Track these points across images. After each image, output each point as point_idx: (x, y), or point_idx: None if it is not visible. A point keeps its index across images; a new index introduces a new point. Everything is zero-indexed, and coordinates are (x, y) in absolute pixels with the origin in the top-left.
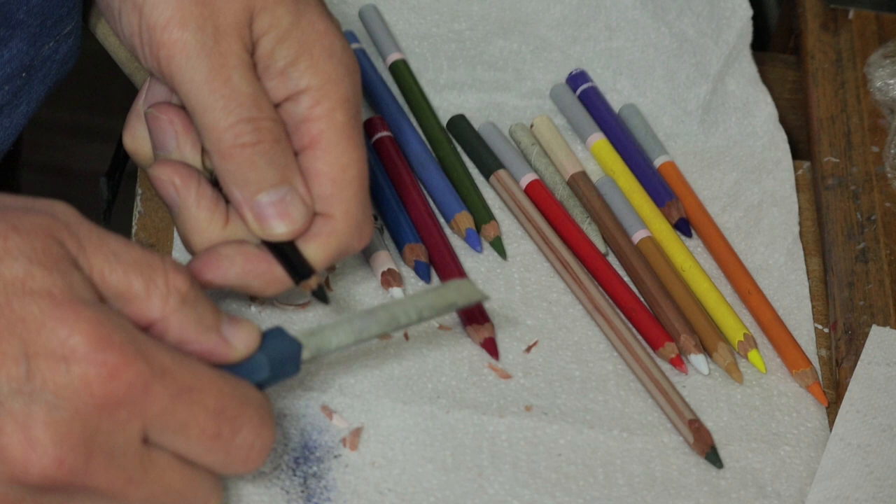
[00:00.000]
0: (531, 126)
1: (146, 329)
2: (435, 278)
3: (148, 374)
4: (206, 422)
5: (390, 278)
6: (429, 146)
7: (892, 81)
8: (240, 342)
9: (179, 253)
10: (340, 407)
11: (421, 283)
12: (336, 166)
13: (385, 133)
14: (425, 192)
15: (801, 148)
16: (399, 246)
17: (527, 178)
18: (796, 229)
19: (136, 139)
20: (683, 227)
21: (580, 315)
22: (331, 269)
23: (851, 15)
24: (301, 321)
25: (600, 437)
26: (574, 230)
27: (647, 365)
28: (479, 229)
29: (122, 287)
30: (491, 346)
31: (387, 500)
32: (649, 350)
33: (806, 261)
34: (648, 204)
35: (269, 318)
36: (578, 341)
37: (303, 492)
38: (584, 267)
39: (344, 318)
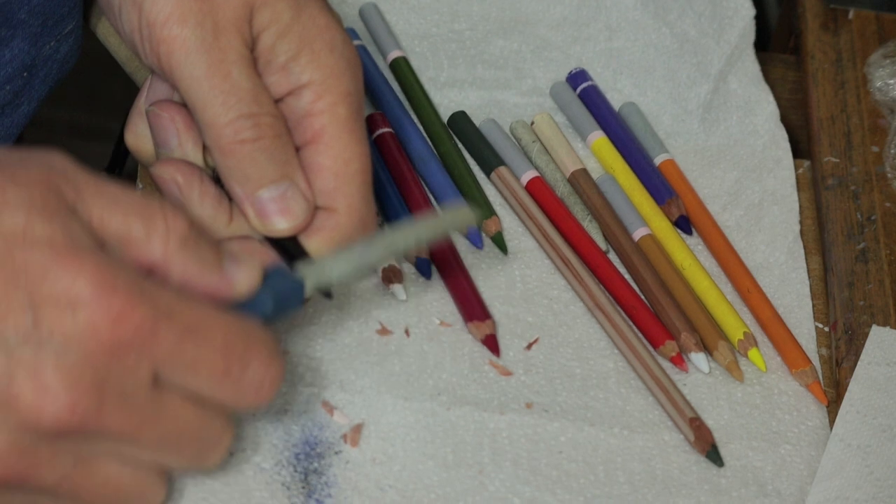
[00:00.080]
0: (532, 123)
1: (148, 272)
2: (436, 274)
3: (154, 316)
4: (215, 359)
5: (391, 274)
6: (430, 143)
7: (892, 81)
8: (242, 280)
9: None
10: (341, 403)
11: (422, 280)
12: (339, 160)
13: (386, 129)
14: (426, 189)
15: (801, 148)
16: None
17: (527, 175)
18: (797, 228)
19: (138, 137)
20: (684, 224)
21: (581, 312)
22: None
23: (851, 15)
24: (302, 316)
25: (601, 435)
26: (575, 227)
27: (648, 363)
28: (480, 225)
29: (122, 231)
30: (492, 343)
31: (387, 497)
32: (650, 348)
33: (806, 260)
34: (649, 202)
35: None
36: (579, 339)
37: (303, 488)
38: (584, 264)
39: (343, 249)
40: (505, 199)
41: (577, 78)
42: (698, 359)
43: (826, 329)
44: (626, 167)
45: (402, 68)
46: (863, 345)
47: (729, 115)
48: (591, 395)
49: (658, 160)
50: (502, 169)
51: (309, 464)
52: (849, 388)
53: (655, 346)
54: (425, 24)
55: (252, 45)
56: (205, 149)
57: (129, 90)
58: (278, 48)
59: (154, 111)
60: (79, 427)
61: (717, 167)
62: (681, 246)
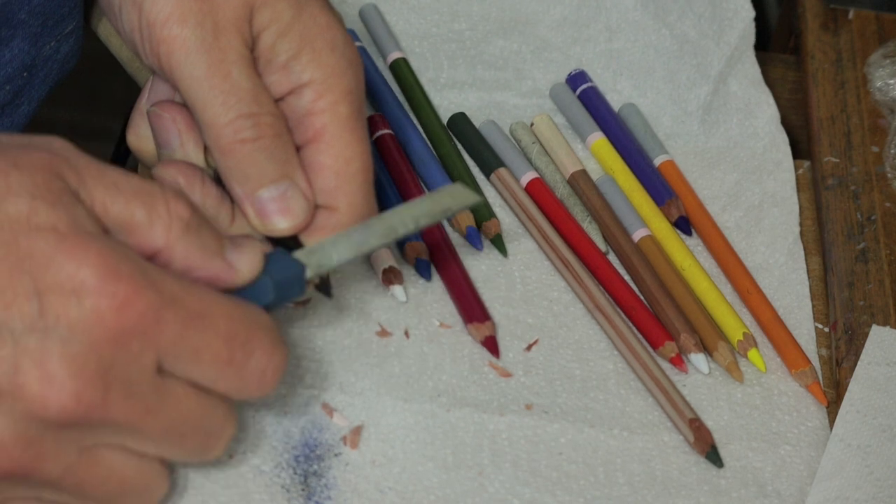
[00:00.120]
0: (531, 125)
1: (151, 258)
2: (435, 276)
3: (158, 303)
4: (219, 347)
5: (391, 276)
6: (430, 144)
7: (892, 81)
8: (244, 266)
9: None
10: (341, 405)
11: (421, 281)
12: (340, 159)
13: (386, 131)
14: (426, 190)
15: (801, 148)
16: (400, 244)
17: (527, 176)
18: (797, 229)
19: (140, 138)
20: (683, 225)
21: (581, 314)
22: None
23: (851, 15)
24: (301, 318)
25: (601, 436)
26: (574, 229)
27: (648, 364)
28: (479, 227)
29: (124, 217)
30: (491, 345)
31: (387, 499)
32: (650, 349)
33: (806, 260)
34: (648, 203)
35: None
36: (579, 340)
37: (303, 490)
38: (584, 265)
39: (342, 233)
40: (504, 200)
41: (576, 79)
42: (698, 360)
43: (826, 329)
44: (626, 168)
45: (401, 69)
46: (863, 345)
47: (729, 117)
48: (590, 397)
49: (658, 161)
50: (502, 170)
51: (308, 466)
52: (849, 388)
53: (655, 347)
54: (425, 24)
55: (252, 45)
56: (206, 149)
57: (130, 90)
58: (279, 47)
59: (155, 112)
60: (84, 416)
61: (716, 169)
62: (680, 247)
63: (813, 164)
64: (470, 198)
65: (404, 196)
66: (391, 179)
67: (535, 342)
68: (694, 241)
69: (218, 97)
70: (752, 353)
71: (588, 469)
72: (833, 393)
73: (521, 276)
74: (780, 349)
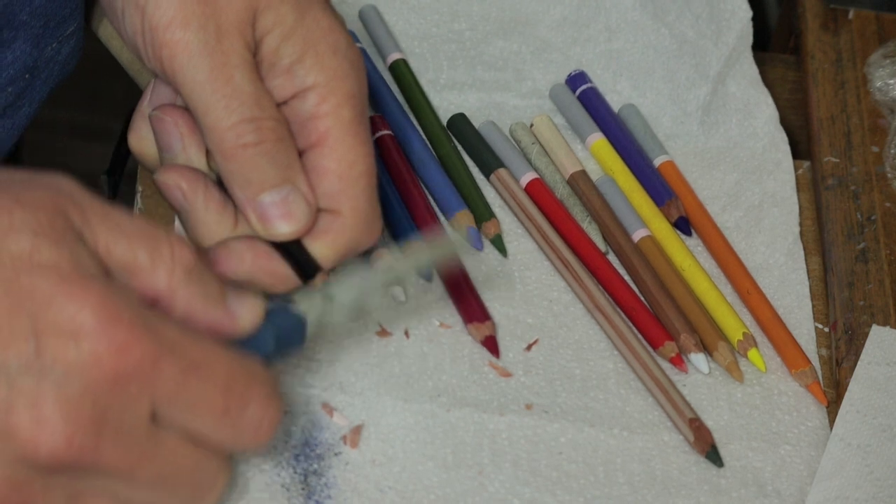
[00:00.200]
0: (531, 125)
1: (152, 302)
2: (435, 276)
3: (157, 350)
4: (215, 398)
5: None
6: (429, 145)
7: (892, 81)
8: (245, 315)
9: None
10: (341, 405)
11: (422, 282)
12: (343, 163)
13: (386, 132)
14: (426, 191)
15: (801, 148)
16: (400, 244)
17: (527, 176)
18: (797, 229)
19: (142, 140)
20: (683, 225)
21: (580, 314)
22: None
23: (851, 15)
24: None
25: (601, 436)
26: (574, 229)
27: (648, 363)
28: (479, 227)
29: (127, 259)
30: (491, 345)
31: (387, 498)
32: (649, 349)
33: (806, 260)
34: (648, 203)
35: None
36: (579, 340)
37: (303, 489)
38: (584, 266)
39: (342, 283)
40: (504, 200)
41: (576, 80)
42: (698, 359)
43: (826, 329)
44: (626, 169)
45: (401, 70)
46: (863, 345)
47: (728, 118)
48: (590, 396)
49: (657, 162)
50: (502, 171)
51: (308, 465)
52: (849, 388)
53: (655, 346)
54: (425, 24)
55: (255, 49)
56: (208, 153)
57: (131, 91)
58: (282, 51)
59: (157, 115)
60: (75, 461)
61: (716, 169)
62: (680, 247)
63: (813, 164)
64: (456, 247)
65: (404, 197)
66: (391, 181)
67: (535, 342)
68: (694, 242)
69: (220, 101)
70: (752, 353)
71: (588, 469)
72: (833, 393)
73: (520, 277)
74: (780, 349)
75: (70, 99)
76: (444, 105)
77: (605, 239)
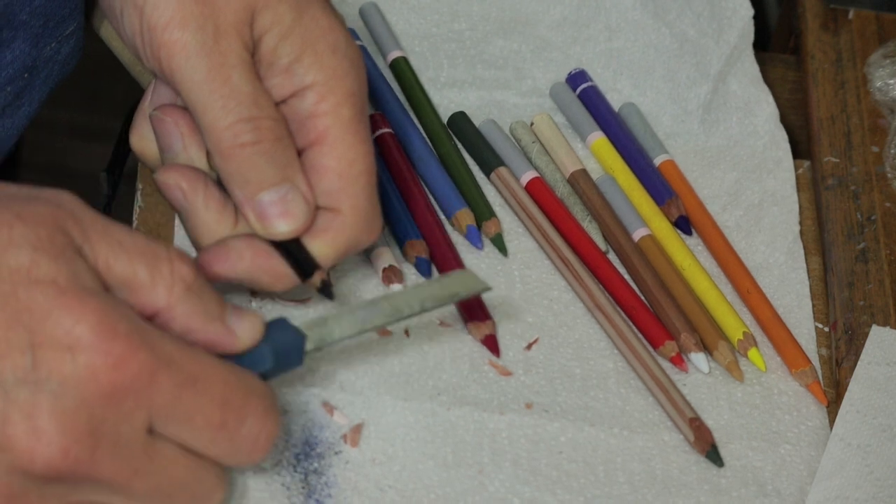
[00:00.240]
0: (531, 124)
1: (151, 318)
2: (436, 274)
3: (153, 364)
4: (212, 412)
5: (391, 275)
6: (430, 143)
7: (892, 81)
8: (244, 332)
9: (180, 245)
10: (341, 403)
11: (422, 280)
12: (343, 161)
13: (386, 130)
14: (426, 189)
15: (801, 148)
16: (400, 242)
17: (527, 175)
18: (797, 228)
19: (143, 140)
20: (683, 224)
21: (581, 313)
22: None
23: (851, 15)
24: (302, 316)
25: (601, 435)
26: (574, 228)
27: (648, 363)
28: (479, 226)
29: (127, 275)
30: (492, 343)
31: (387, 497)
32: (650, 348)
33: (806, 260)
34: (648, 202)
35: (270, 313)
36: (579, 339)
37: (303, 488)
38: (584, 265)
39: (346, 308)
40: (504, 199)
41: (576, 78)
42: (698, 359)
43: (826, 329)
44: (626, 168)
45: (402, 69)
46: (863, 345)
47: (728, 116)
48: (590, 396)
49: (658, 161)
50: (502, 169)
51: (309, 464)
52: (849, 388)
53: (655, 346)
54: (425, 23)
55: (254, 48)
56: (209, 153)
57: (131, 91)
58: (281, 50)
59: (157, 116)
60: (70, 473)
61: (716, 168)
62: (680, 246)
63: (813, 164)
64: (479, 285)
65: (405, 195)
66: (391, 179)
67: (536, 341)
68: (694, 241)
69: (218, 101)
70: (752, 353)
71: (588, 468)
72: (833, 393)
73: (520, 276)
74: (780, 349)
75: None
76: (445, 103)
77: (605, 238)
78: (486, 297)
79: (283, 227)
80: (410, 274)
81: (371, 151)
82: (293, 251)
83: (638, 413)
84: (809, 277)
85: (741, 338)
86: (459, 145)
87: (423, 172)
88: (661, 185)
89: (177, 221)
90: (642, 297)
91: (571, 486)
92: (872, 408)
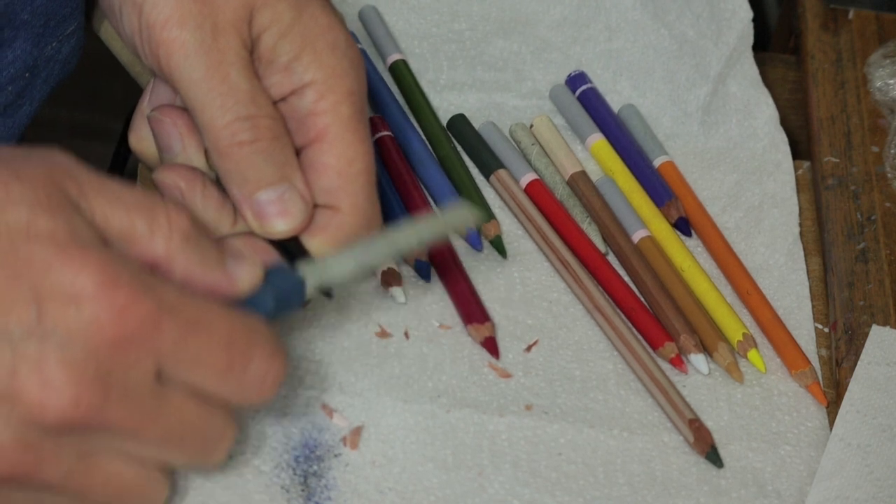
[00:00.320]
0: (531, 126)
1: (151, 269)
2: (435, 277)
3: (157, 311)
4: (218, 354)
5: (391, 277)
6: (429, 146)
7: (892, 81)
8: (243, 277)
9: None
10: (341, 406)
11: (421, 283)
12: (342, 159)
13: (386, 132)
14: (426, 192)
15: (801, 148)
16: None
17: (527, 177)
18: (797, 230)
19: (142, 140)
20: (683, 226)
21: (580, 314)
22: None
23: (851, 15)
24: (301, 319)
25: (601, 437)
26: (574, 230)
27: (648, 364)
28: (479, 228)
29: (125, 228)
30: (491, 346)
31: (387, 499)
32: (649, 350)
33: (806, 260)
34: (648, 204)
35: None
36: (579, 341)
37: (303, 490)
38: (584, 266)
39: (344, 248)
40: (504, 201)
41: (576, 80)
42: (698, 360)
43: (826, 330)
44: (626, 169)
45: (401, 71)
46: (863, 345)
47: (728, 118)
48: (590, 397)
49: (657, 162)
50: (501, 172)
51: (308, 466)
52: (849, 388)
53: (655, 347)
54: (425, 24)
55: (253, 46)
56: (207, 152)
57: (131, 90)
58: (280, 48)
59: (156, 116)
60: (83, 422)
61: (716, 169)
62: (680, 248)
63: (813, 164)
64: (472, 217)
65: (404, 198)
66: (391, 181)
67: (535, 343)
68: (694, 242)
69: (216, 99)
70: (752, 354)
71: (588, 469)
72: (833, 393)
73: (520, 277)
74: (779, 350)
75: (70, 98)
76: (444, 106)
77: (604, 240)
78: (485, 299)
79: (281, 226)
80: (410, 276)
81: (370, 150)
82: (291, 249)
83: (637, 414)
84: (809, 278)
85: (741, 339)
86: (459, 148)
87: (422, 175)
88: (660, 187)
89: None
90: (642, 299)
91: (571, 488)
92: (872, 408)
